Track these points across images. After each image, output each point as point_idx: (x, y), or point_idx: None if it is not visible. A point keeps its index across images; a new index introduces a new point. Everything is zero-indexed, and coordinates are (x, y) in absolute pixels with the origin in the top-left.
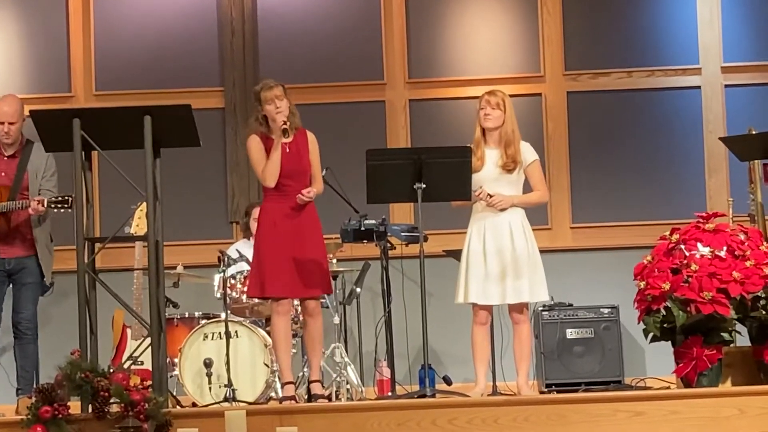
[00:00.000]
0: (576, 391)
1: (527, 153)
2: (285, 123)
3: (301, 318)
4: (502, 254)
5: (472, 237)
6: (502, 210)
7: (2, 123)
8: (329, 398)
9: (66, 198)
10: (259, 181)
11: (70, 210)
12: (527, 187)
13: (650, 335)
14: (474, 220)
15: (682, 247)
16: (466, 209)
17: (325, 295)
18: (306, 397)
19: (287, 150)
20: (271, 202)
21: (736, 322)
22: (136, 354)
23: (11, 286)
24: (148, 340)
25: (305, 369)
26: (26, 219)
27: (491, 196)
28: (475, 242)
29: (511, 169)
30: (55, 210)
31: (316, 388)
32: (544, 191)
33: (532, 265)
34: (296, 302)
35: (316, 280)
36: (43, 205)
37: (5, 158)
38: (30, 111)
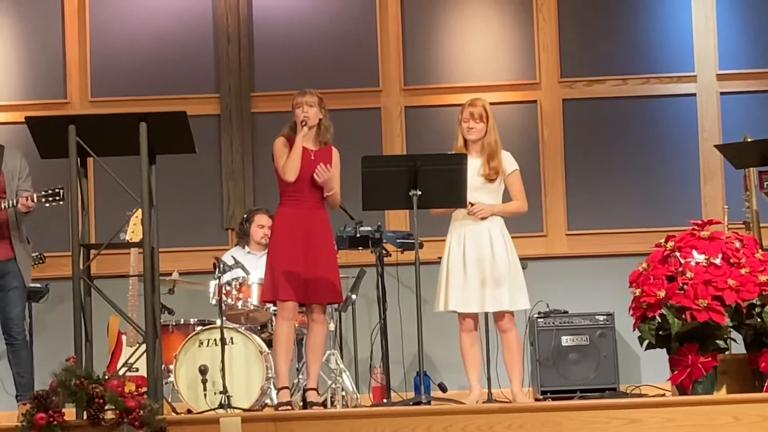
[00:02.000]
0: (571, 398)
1: (508, 163)
2: (305, 118)
3: (297, 324)
4: (481, 262)
5: (452, 245)
6: (483, 219)
7: None
8: (324, 406)
9: (57, 191)
10: (281, 176)
11: (62, 202)
12: (506, 197)
13: (645, 342)
14: (453, 227)
15: (678, 254)
16: (446, 217)
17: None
18: (301, 404)
19: (312, 157)
20: (288, 206)
21: (732, 330)
22: (131, 360)
23: None
24: (144, 347)
25: (300, 376)
26: (5, 222)
27: (473, 205)
28: (455, 250)
29: (494, 179)
30: (47, 204)
31: (312, 396)
32: (523, 201)
33: (512, 274)
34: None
35: (328, 287)
36: (32, 201)
37: None
38: (25, 117)
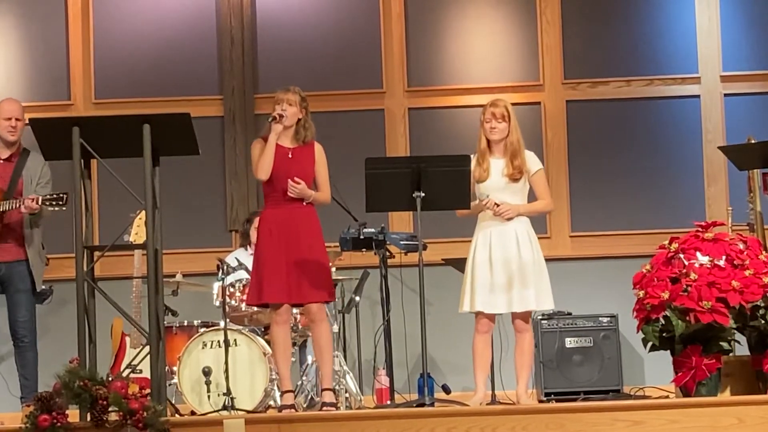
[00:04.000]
0: (575, 400)
1: (532, 162)
2: (279, 114)
3: (300, 326)
4: (508, 263)
5: (477, 246)
6: (509, 219)
7: (9, 119)
8: (338, 408)
9: (61, 195)
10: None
11: (64, 208)
12: (531, 196)
13: (649, 344)
14: (479, 228)
15: (682, 256)
16: (468, 218)
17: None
18: (304, 406)
19: (289, 155)
20: (269, 208)
21: (735, 332)
22: (134, 362)
23: (5, 293)
24: (147, 349)
25: (303, 378)
26: (18, 223)
27: (498, 205)
28: (481, 251)
29: (518, 179)
30: (51, 208)
31: (327, 396)
32: (549, 200)
33: (537, 274)
34: (295, 311)
35: (316, 285)
36: (37, 203)
37: (1, 161)
38: (29, 119)
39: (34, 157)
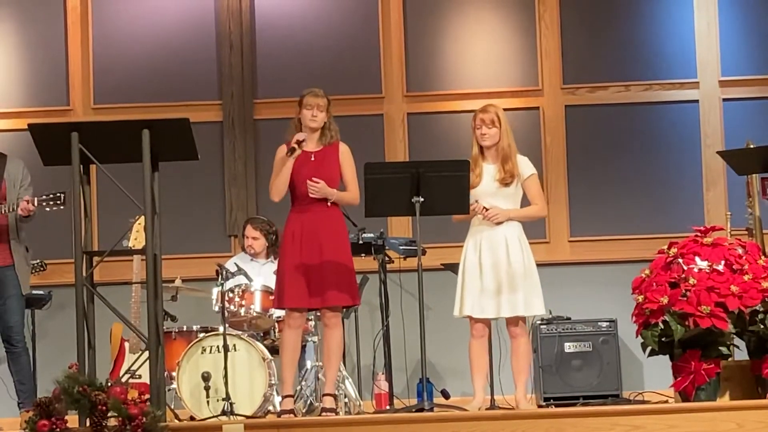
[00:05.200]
0: (574, 404)
1: (524, 167)
2: (297, 143)
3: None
4: (497, 268)
5: (468, 251)
6: (499, 223)
7: None
8: (337, 413)
9: (58, 195)
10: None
11: (62, 207)
12: (526, 201)
13: (648, 349)
14: (471, 233)
15: (680, 261)
16: (466, 223)
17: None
18: (303, 411)
19: (312, 158)
20: (293, 212)
21: (734, 336)
22: (134, 367)
23: None
24: (146, 354)
25: (302, 383)
26: (5, 228)
27: (487, 210)
28: (471, 256)
29: (509, 183)
30: (48, 209)
31: (327, 402)
32: (542, 205)
33: (527, 279)
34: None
35: (337, 288)
36: (33, 204)
37: None
38: (28, 124)
39: (13, 160)
